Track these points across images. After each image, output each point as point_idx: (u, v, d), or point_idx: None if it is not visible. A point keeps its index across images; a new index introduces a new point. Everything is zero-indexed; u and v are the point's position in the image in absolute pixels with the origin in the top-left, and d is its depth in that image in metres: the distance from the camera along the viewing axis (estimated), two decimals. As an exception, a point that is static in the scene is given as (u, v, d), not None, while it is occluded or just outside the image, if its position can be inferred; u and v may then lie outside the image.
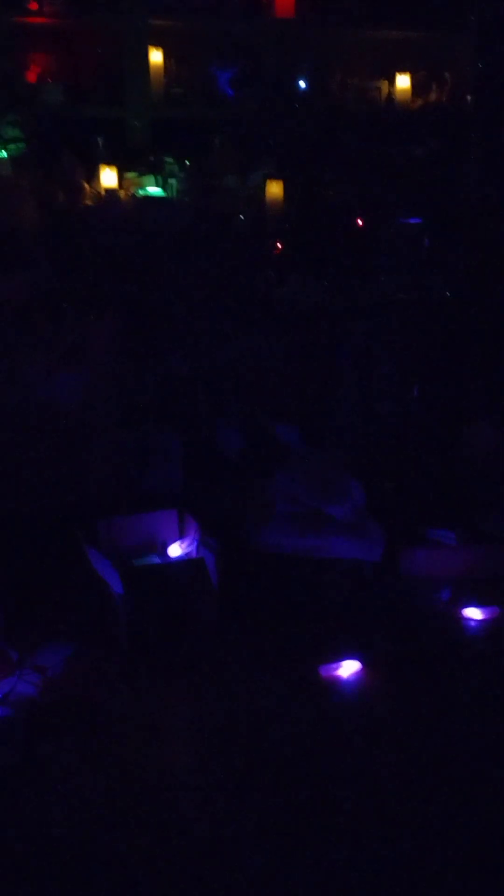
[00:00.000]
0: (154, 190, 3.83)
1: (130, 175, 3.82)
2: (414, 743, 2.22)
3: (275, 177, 3.84)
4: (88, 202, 3.74)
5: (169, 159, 3.86)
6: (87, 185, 3.76)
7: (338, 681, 2.46)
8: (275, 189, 3.83)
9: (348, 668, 2.49)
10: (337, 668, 2.49)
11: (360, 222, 3.84)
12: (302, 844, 1.91)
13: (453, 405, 3.59)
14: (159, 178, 3.85)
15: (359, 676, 2.48)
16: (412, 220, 3.78)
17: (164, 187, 3.85)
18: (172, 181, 3.85)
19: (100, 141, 3.82)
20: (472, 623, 2.75)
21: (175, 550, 2.89)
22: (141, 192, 3.81)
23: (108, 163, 3.77)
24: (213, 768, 2.14)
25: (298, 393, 3.63)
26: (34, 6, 3.75)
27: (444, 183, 3.89)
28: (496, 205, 3.88)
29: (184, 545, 2.90)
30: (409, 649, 2.60)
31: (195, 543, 2.86)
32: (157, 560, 2.87)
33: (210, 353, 3.55)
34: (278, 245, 3.78)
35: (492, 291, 3.79)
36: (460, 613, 2.78)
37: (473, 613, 2.78)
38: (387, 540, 2.95)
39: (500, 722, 2.30)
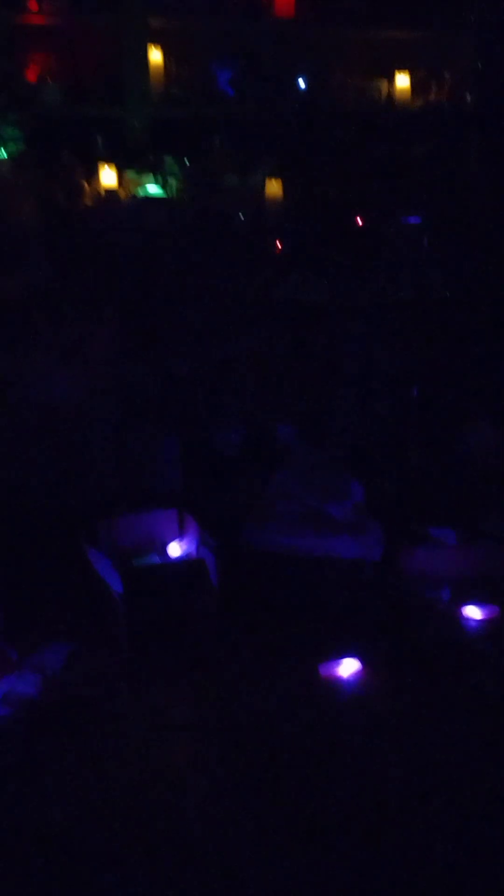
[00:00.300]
0: (154, 189, 3.83)
1: (130, 174, 3.82)
2: (414, 742, 2.22)
3: (275, 176, 3.84)
4: (88, 202, 3.74)
5: (169, 158, 3.86)
6: (86, 185, 3.77)
7: (338, 680, 2.46)
8: (275, 188, 3.84)
9: (348, 668, 2.49)
10: (337, 668, 2.49)
11: (359, 222, 3.84)
12: (303, 844, 1.91)
13: (453, 405, 3.59)
14: (159, 177, 3.85)
15: (359, 676, 2.48)
16: (412, 220, 3.78)
17: (163, 187, 3.85)
18: (172, 180, 3.85)
19: (99, 140, 3.82)
20: (473, 622, 2.75)
21: (175, 550, 2.89)
22: (141, 192, 3.81)
23: (108, 162, 3.77)
24: (214, 768, 2.14)
25: (298, 392, 3.63)
26: (34, 6, 3.75)
27: (444, 182, 3.88)
28: (496, 204, 3.88)
29: (183, 545, 2.90)
30: (408, 648, 2.60)
31: (195, 543, 2.86)
32: (156, 560, 2.87)
33: (210, 352, 3.55)
34: (278, 244, 3.78)
35: (492, 291, 3.79)
36: (460, 613, 2.78)
37: (473, 613, 2.78)
38: (387, 539, 2.95)
39: (499, 721, 2.29)
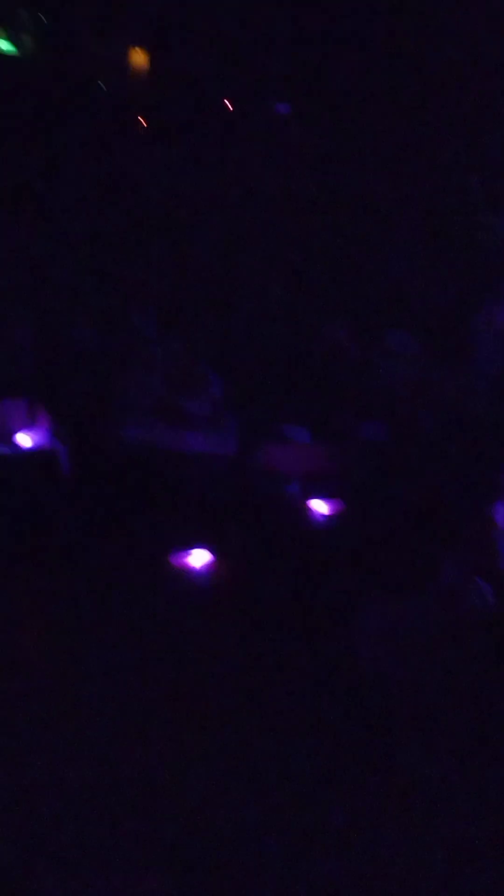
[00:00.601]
0: (5, 45, 3.52)
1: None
2: (264, 627, 2.32)
3: (141, 45, 3.59)
4: None
5: (23, 12, 3.53)
6: None
7: (190, 570, 2.52)
8: (140, 58, 3.59)
9: (200, 558, 2.55)
10: (189, 558, 2.54)
11: (228, 105, 3.67)
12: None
13: (313, 305, 3.60)
14: (11, 32, 3.53)
15: (210, 565, 2.54)
16: (281, 108, 3.65)
17: (15, 43, 3.54)
18: (26, 37, 3.54)
19: None
20: (318, 515, 2.87)
21: (24, 440, 2.81)
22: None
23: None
24: (68, 663, 2.15)
25: (158, 282, 3.52)
26: None
27: (312, 66, 3.75)
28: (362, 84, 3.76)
29: (34, 436, 2.81)
30: (258, 539, 2.69)
31: (47, 434, 2.78)
32: (5, 450, 2.77)
33: (69, 234, 3.36)
34: (141, 119, 3.56)
35: (363, 188, 3.74)
36: (308, 506, 2.89)
37: (319, 506, 2.89)
38: (241, 434, 2.98)
39: (343, 600, 2.40)
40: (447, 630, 1.96)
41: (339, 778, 1.86)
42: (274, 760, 1.91)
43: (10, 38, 3.54)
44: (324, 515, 2.87)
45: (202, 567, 2.55)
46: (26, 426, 2.84)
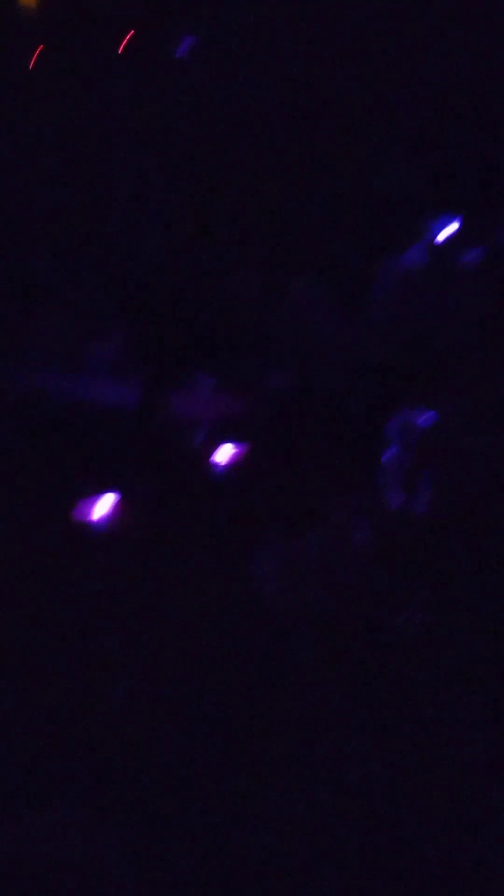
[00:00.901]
0: None
1: None
2: (170, 573, 2.35)
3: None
4: None
5: None
6: None
7: (93, 520, 2.52)
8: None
9: (102, 508, 2.56)
10: (92, 508, 2.54)
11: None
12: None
13: (219, 251, 3.56)
14: None
15: (113, 513, 2.55)
16: (186, 42, 3.53)
17: None
18: None
19: None
20: (223, 463, 2.90)
21: None
22: None
23: None
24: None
25: (61, 220, 3.40)
26: None
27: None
28: None
29: None
30: (162, 488, 2.70)
31: None
32: None
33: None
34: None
35: (265, 131, 3.68)
36: (213, 454, 2.91)
37: (225, 453, 2.92)
38: (146, 382, 2.96)
39: (244, 540, 2.46)
40: (334, 566, 2.04)
41: (248, 707, 1.93)
42: (184, 699, 1.97)
43: None
44: (228, 463, 2.90)
45: (106, 514, 2.55)
46: None
